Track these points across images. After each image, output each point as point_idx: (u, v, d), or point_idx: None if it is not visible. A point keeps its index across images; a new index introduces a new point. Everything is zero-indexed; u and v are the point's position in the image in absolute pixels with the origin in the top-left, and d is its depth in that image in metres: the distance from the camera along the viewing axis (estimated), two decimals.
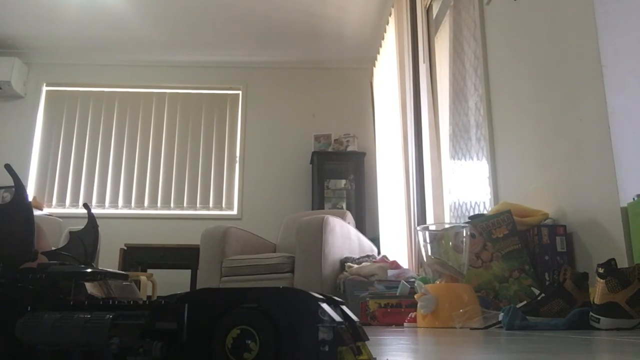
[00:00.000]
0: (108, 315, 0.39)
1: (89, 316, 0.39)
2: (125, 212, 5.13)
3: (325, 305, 0.36)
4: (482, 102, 2.78)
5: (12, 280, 0.42)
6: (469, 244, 1.95)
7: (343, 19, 4.85)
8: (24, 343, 0.39)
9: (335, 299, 0.40)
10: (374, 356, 0.42)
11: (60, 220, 4.07)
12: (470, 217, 2.27)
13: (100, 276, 0.43)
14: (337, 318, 0.37)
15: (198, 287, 3.52)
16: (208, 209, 5.23)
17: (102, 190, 5.21)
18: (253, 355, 0.36)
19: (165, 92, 5.48)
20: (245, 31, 5.07)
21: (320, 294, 0.37)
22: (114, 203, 5.18)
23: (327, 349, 0.35)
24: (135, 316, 0.39)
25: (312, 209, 4.90)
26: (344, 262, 3.20)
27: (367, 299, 2.38)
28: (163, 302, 0.39)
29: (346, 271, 3.04)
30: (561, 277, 1.49)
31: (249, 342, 0.36)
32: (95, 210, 5.00)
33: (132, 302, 0.40)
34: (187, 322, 0.38)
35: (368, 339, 0.42)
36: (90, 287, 0.44)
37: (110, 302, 0.40)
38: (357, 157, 5.17)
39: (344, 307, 0.41)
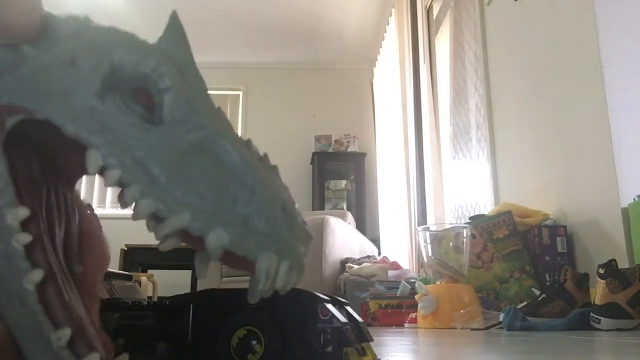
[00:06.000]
0: (114, 316, 0.39)
1: None
2: (126, 212, 5.08)
3: (330, 306, 0.36)
4: (482, 103, 2.78)
5: None
6: (470, 245, 1.95)
7: (343, 19, 4.85)
8: None
9: (340, 300, 0.40)
10: (377, 357, 0.42)
11: None
12: (470, 218, 2.27)
13: (105, 276, 0.44)
14: (342, 319, 0.37)
15: (198, 288, 3.52)
16: None
17: (102, 191, 5.21)
18: (257, 357, 0.36)
19: None
20: (245, 32, 5.07)
21: (325, 295, 0.38)
22: (115, 203, 5.18)
23: (332, 349, 0.35)
24: (140, 317, 0.39)
25: (313, 210, 4.90)
26: (344, 262, 3.20)
27: (368, 299, 2.38)
28: (168, 302, 0.39)
29: (347, 272, 3.04)
30: (562, 278, 1.49)
31: (254, 343, 0.36)
32: (96, 211, 4.99)
33: (137, 303, 0.40)
34: (192, 323, 0.38)
35: (372, 340, 0.42)
36: None
37: (115, 303, 0.40)
38: (358, 157, 5.17)
39: (349, 308, 0.41)
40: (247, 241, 0.26)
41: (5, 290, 0.27)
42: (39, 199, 0.32)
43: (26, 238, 0.28)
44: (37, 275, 0.27)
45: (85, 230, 0.36)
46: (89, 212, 0.38)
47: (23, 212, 0.28)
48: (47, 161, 0.33)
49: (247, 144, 0.30)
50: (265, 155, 0.31)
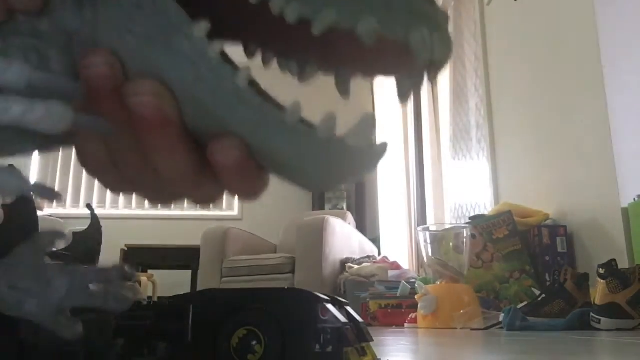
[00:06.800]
0: (113, 316, 0.39)
1: (93, 317, 0.39)
2: (126, 212, 5.13)
3: (330, 306, 0.37)
4: (482, 103, 2.78)
5: None
6: (470, 245, 1.95)
7: None
8: (27, 344, 0.39)
9: (340, 300, 0.40)
10: (377, 357, 0.42)
11: (62, 220, 4.07)
12: (470, 218, 2.27)
13: None
14: (342, 319, 0.37)
15: (198, 288, 3.52)
16: (208, 209, 5.23)
17: (103, 191, 5.21)
18: (257, 357, 0.36)
19: None
20: None
21: (325, 295, 0.38)
22: (115, 204, 5.18)
23: (332, 349, 0.36)
24: (140, 317, 0.39)
25: (313, 210, 4.90)
26: (344, 262, 3.20)
27: (368, 299, 2.38)
28: (168, 302, 0.39)
29: (347, 272, 3.04)
30: (562, 278, 1.49)
31: (254, 343, 0.36)
32: (96, 211, 4.99)
33: (137, 303, 0.40)
34: (192, 323, 0.38)
35: (372, 340, 0.42)
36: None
37: None
38: None
39: (349, 308, 0.41)
40: (396, 22, 0.27)
41: (219, 99, 0.27)
42: None
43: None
44: (246, 72, 0.27)
45: None
46: None
47: (205, 24, 0.27)
48: None
49: None
50: None
